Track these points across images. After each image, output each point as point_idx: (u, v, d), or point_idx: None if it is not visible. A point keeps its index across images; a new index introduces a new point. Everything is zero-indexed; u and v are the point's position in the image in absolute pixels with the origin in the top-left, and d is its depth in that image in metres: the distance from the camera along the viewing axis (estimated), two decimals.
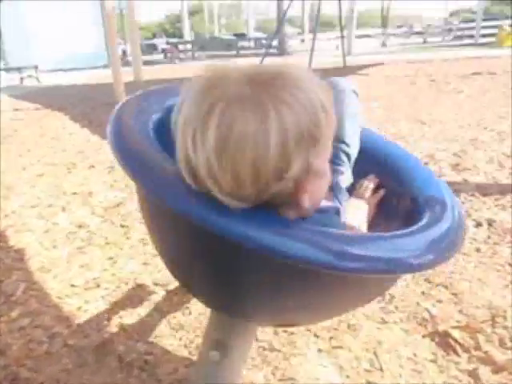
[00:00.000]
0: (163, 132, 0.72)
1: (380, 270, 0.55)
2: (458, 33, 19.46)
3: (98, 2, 11.77)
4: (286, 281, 0.61)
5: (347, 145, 0.91)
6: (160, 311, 1.44)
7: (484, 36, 16.04)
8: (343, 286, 0.63)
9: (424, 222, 0.65)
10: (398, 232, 0.63)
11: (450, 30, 20.85)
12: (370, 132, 1.03)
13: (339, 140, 0.89)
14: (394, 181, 0.87)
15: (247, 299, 0.66)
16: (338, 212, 0.75)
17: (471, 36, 17.28)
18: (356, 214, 0.85)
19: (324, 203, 0.73)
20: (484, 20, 18.48)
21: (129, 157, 0.58)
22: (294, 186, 0.56)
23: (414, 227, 0.64)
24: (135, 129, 0.64)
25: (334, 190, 0.84)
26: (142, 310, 1.45)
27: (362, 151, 0.94)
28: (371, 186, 0.92)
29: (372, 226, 0.83)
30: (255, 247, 0.51)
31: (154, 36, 20.32)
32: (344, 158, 0.91)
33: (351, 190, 0.93)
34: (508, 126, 3.32)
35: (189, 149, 0.54)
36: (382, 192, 0.91)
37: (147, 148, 0.61)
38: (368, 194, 0.91)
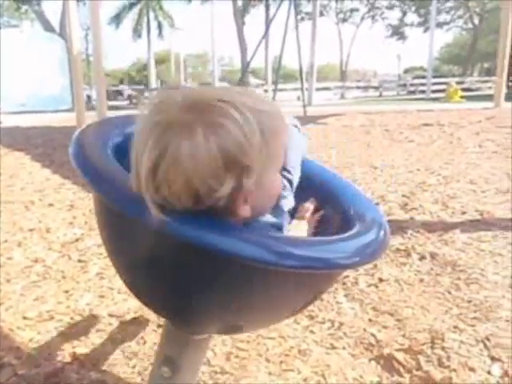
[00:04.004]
0: (122, 154, 0.79)
1: (316, 267, 0.63)
2: (411, 88, 20.82)
3: (65, 44, 11.89)
4: (237, 283, 0.68)
5: (289, 172, 1.01)
6: (114, 341, 1.45)
7: (434, 91, 17.24)
8: (291, 284, 0.70)
9: (355, 231, 0.75)
10: (333, 237, 0.73)
11: (404, 85, 22.29)
12: (310, 161, 1.14)
13: (282, 168, 0.99)
14: (331, 202, 0.97)
15: (199, 303, 0.71)
16: (280, 228, 0.83)
17: (423, 91, 18.53)
18: (297, 232, 0.94)
19: (270, 218, 0.81)
20: (434, 77, 19.93)
21: (90, 169, 0.65)
22: (229, 200, 0.62)
23: (347, 234, 0.74)
24: (96, 147, 0.71)
25: (276, 212, 0.92)
26: (97, 340, 1.45)
27: (303, 178, 1.05)
28: (311, 207, 1.02)
29: None
30: (202, 246, 0.58)
31: (121, 82, 20.62)
32: (286, 183, 1.00)
33: (293, 214, 1.02)
34: (452, 171, 3.57)
35: (135, 165, 0.62)
36: (320, 212, 1.01)
37: (107, 162, 0.68)
38: (308, 214, 1.01)
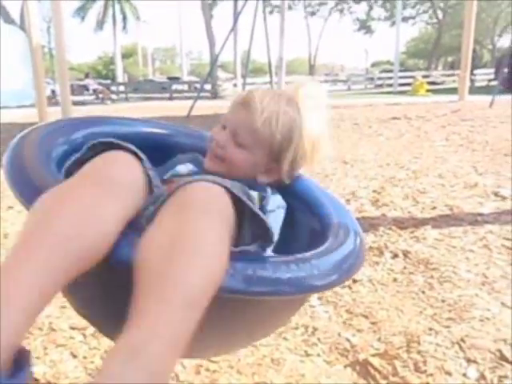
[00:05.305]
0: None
1: (287, 292, 0.57)
2: (379, 82, 21.10)
3: (26, 37, 11.43)
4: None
5: None
6: (76, 356, 1.35)
7: (401, 85, 17.52)
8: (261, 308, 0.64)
9: (328, 245, 0.69)
10: (306, 254, 0.66)
11: (372, 78, 22.60)
12: None
13: None
14: (304, 207, 0.91)
15: None
16: None
17: (390, 85, 18.82)
18: None
19: None
20: (401, 71, 20.27)
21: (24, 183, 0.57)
22: None
23: (320, 250, 0.67)
24: (37, 157, 0.62)
25: None
26: (57, 356, 1.35)
27: None
28: None
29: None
30: None
31: (86, 76, 19.94)
32: None
33: None
34: (421, 166, 3.60)
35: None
36: None
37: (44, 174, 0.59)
38: None
